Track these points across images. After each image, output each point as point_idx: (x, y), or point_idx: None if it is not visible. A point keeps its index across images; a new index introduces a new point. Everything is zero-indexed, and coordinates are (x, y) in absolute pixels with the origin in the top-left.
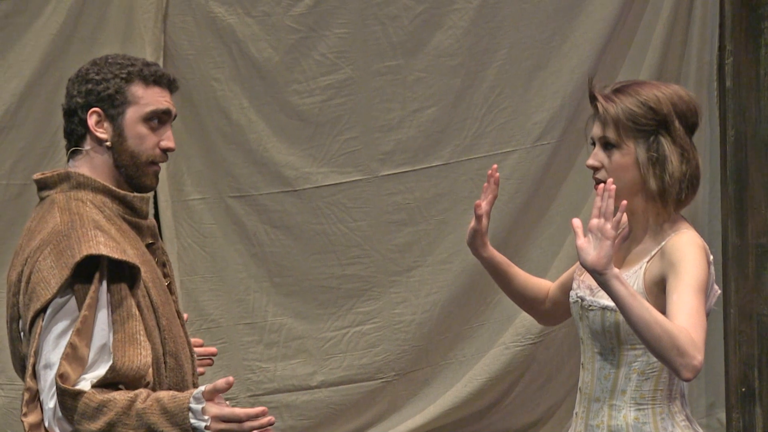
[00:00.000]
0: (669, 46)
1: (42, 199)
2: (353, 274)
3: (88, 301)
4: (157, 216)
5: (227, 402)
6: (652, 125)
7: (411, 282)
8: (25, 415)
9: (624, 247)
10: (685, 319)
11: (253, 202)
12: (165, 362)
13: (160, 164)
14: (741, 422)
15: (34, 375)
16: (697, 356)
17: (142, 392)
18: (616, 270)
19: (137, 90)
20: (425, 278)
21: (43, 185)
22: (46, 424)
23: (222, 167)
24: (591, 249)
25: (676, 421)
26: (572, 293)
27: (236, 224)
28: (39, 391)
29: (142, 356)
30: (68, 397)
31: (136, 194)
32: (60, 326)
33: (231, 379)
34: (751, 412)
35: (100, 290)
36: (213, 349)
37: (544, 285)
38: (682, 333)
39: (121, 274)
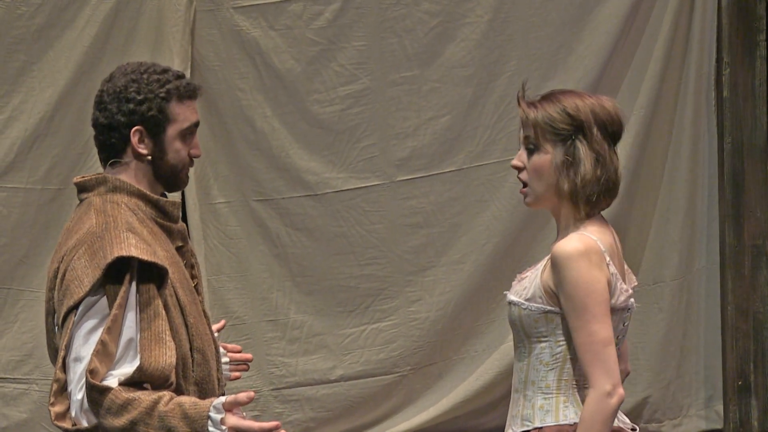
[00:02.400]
0: (670, 58)
1: (81, 201)
2: (371, 274)
3: (118, 300)
4: (185, 219)
5: (244, 414)
6: (569, 130)
7: (425, 281)
8: (52, 404)
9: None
10: (584, 361)
11: (276, 205)
12: (192, 357)
13: None
14: (738, 414)
15: (64, 367)
16: (605, 396)
17: (165, 395)
18: None
19: (174, 107)
20: (439, 278)
21: (82, 188)
22: (72, 415)
23: (246, 172)
24: None
25: (580, 408)
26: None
27: (260, 226)
28: (67, 383)
29: (167, 356)
30: (96, 392)
31: (168, 200)
32: (91, 323)
33: (252, 393)
34: (748, 404)
35: (130, 291)
36: (249, 356)
37: None
38: (586, 411)
39: (150, 274)
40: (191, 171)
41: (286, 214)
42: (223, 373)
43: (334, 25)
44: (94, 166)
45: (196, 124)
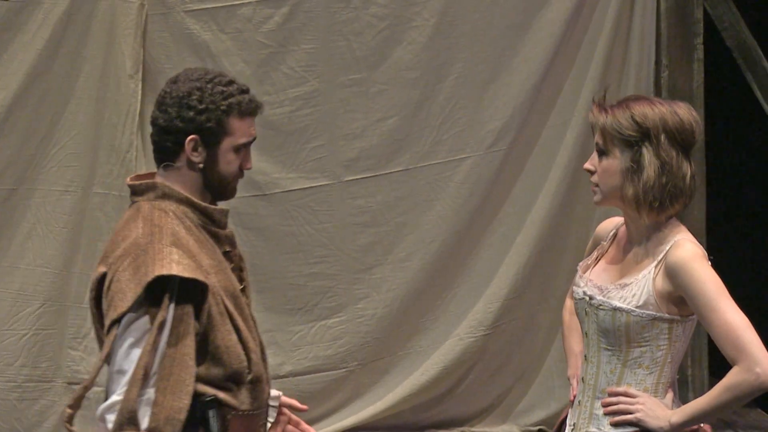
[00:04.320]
0: (610, 61)
1: (132, 202)
2: (320, 272)
3: (158, 321)
4: None
5: None
6: (636, 137)
7: (373, 279)
8: (71, 407)
9: (624, 249)
10: (727, 340)
11: (227, 205)
12: (249, 359)
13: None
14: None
15: (100, 374)
16: (756, 367)
17: None
18: (675, 418)
19: (233, 122)
20: (386, 276)
21: (133, 191)
22: (98, 412)
23: None
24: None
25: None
26: (578, 290)
27: None
28: (109, 392)
29: (182, 402)
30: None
31: (216, 208)
32: (132, 338)
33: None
34: (685, 399)
35: (169, 309)
36: (304, 408)
37: None
38: (735, 377)
39: (192, 289)
40: (142, 171)
41: (237, 214)
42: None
43: (284, 29)
44: (48, 168)
45: (253, 140)
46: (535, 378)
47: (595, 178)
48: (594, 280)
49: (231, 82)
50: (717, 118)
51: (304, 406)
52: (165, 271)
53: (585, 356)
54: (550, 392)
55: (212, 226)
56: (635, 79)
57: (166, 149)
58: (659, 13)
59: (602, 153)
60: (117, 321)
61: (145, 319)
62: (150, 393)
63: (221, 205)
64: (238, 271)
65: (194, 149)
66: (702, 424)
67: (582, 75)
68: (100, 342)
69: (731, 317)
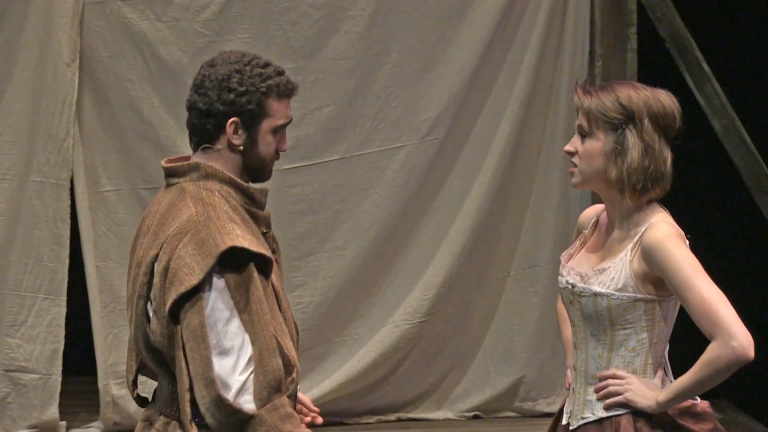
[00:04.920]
0: (545, 50)
1: (169, 185)
2: None
3: (256, 295)
4: (73, 207)
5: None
6: (620, 119)
7: (309, 267)
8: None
9: (604, 235)
10: (704, 316)
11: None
12: (292, 340)
13: None
14: None
15: (185, 358)
16: (732, 341)
17: None
18: (661, 397)
19: (272, 103)
20: (323, 263)
21: (172, 173)
22: (231, 399)
23: (135, 161)
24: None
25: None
26: (561, 279)
27: None
28: (214, 378)
29: (279, 363)
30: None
31: (257, 188)
32: (221, 315)
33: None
34: None
35: (257, 283)
36: (315, 410)
37: None
38: (712, 352)
39: (261, 263)
40: (80, 160)
41: None
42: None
43: (221, 18)
44: None
45: (289, 122)
46: (470, 364)
47: (576, 160)
48: (576, 268)
49: (268, 64)
50: None
51: (316, 409)
52: (237, 243)
53: (574, 344)
54: (486, 379)
55: (252, 206)
56: (569, 69)
57: (206, 132)
58: (593, 3)
59: (585, 135)
60: (186, 294)
61: (227, 293)
62: (280, 360)
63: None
64: (273, 252)
65: (235, 131)
66: (698, 400)
67: (517, 65)
68: (140, 331)
69: (707, 293)
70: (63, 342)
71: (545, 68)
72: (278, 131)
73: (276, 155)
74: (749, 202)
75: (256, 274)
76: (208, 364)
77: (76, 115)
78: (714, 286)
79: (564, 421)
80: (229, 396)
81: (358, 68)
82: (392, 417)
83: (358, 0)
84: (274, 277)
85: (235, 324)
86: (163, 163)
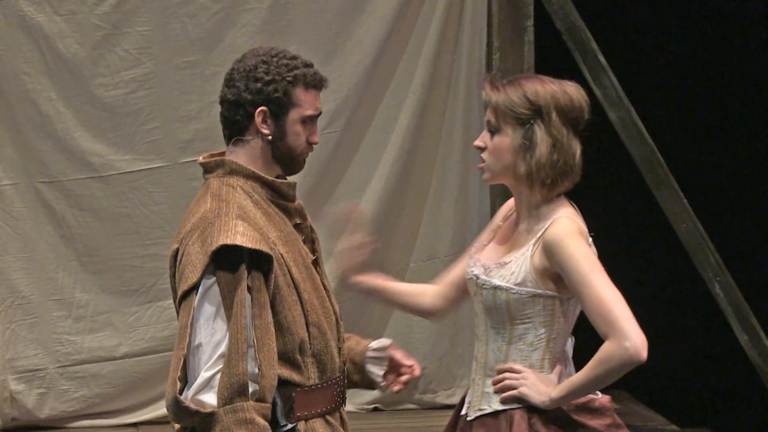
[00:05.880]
0: (443, 43)
1: (205, 180)
2: (155, 253)
3: (239, 296)
4: None
5: None
6: (528, 114)
7: None
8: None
9: (513, 229)
10: (599, 315)
11: (62, 187)
12: (309, 332)
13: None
14: None
15: (184, 348)
16: (626, 342)
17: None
18: (554, 393)
19: (300, 93)
20: None
21: (205, 169)
22: (189, 395)
23: (32, 155)
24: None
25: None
26: (468, 270)
27: (46, 208)
28: (188, 368)
29: (275, 370)
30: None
31: (283, 181)
32: (209, 310)
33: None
34: None
35: (248, 280)
36: (409, 363)
37: (426, 298)
38: (606, 351)
39: (260, 261)
40: None
41: (72, 196)
42: (374, 374)
43: (118, 11)
44: None
45: (319, 114)
46: None
47: (485, 155)
48: (482, 259)
49: (295, 57)
50: None
51: (410, 363)
52: (229, 241)
53: (477, 335)
54: None
55: (281, 199)
56: (467, 61)
57: (236, 123)
58: None
59: (494, 131)
60: (188, 292)
61: (215, 291)
62: (252, 365)
63: (290, 179)
64: (310, 243)
65: (263, 121)
66: (599, 395)
67: (415, 57)
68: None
69: (603, 292)
70: None
71: (443, 61)
72: (307, 122)
73: (308, 147)
74: (646, 193)
75: (246, 274)
76: (177, 364)
77: None
78: (611, 285)
79: (463, 411)
80: (192, 390)
81: None
82: None
83: None
84: (295, 268)
85: (219, 321)
86: (199, 159)
